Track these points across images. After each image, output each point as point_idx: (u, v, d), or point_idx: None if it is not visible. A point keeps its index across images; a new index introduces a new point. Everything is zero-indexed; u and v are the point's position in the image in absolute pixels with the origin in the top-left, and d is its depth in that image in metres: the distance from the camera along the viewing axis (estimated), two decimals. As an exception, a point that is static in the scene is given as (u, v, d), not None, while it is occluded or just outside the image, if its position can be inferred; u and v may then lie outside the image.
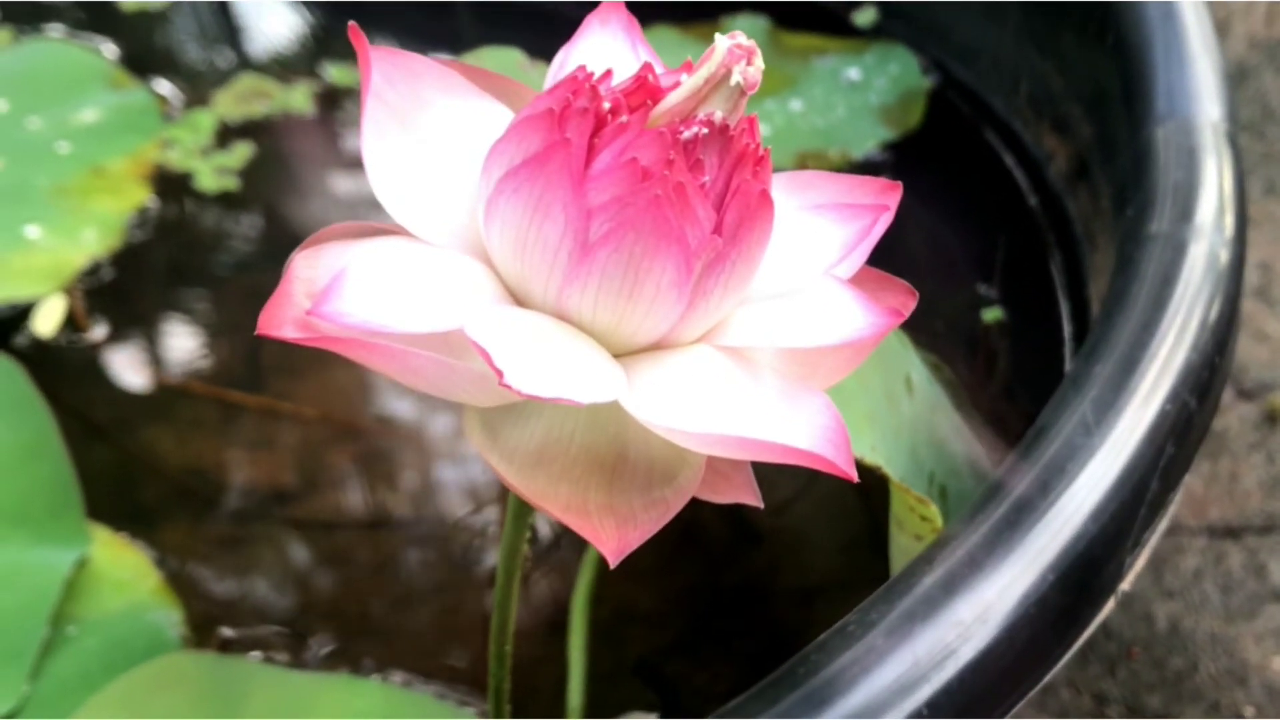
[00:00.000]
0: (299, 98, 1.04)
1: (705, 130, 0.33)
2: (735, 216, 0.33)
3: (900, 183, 0.38)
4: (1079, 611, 0.50)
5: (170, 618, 0.66)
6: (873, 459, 0.54)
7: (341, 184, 1.01)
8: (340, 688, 0.63)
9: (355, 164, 1.02)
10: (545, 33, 1.08)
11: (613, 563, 0.33)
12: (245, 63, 1.12)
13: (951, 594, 0.45)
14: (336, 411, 0.81)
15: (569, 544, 0.72)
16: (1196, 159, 0.65)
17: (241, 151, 0.99)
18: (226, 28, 1.19)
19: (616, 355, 0.35)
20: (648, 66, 0.35)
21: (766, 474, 0.37)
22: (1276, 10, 1.32)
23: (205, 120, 1.01)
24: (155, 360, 0.85)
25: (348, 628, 0.69)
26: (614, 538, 0.33)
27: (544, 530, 0.72)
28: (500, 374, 0.30)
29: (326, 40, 1.16)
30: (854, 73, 1.02)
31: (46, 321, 0.85)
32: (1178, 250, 0.59)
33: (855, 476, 0.33)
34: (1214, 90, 0.69)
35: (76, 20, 1.14)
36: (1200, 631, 0.79)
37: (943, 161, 0.98)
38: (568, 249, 0.33)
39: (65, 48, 1.08)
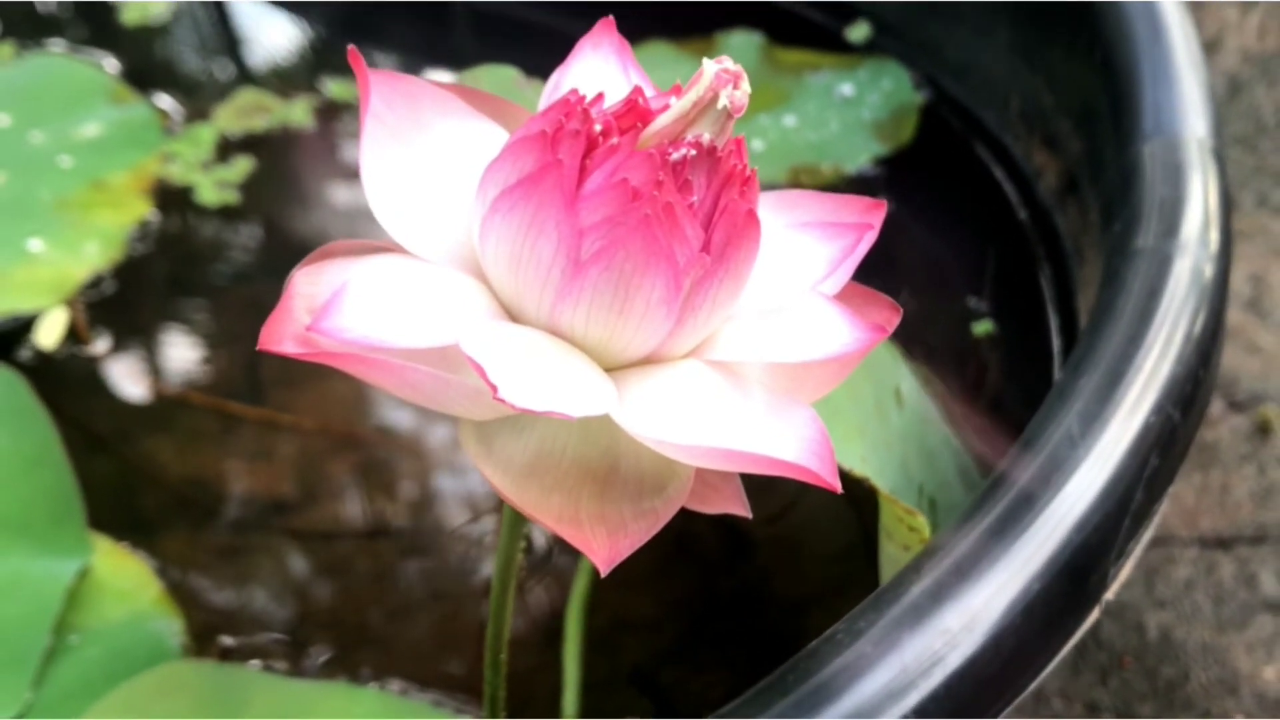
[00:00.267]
0: (299, 112, 1.04)
1: (694, 152, 0.34)
2: (723, 235, 0.34)
3: (885, 201, 0.39)
4: (1064, 620, 0.50)
5: (171, 627, 0.67)
6: (862, 470, 0.54)
7: (340, 197, 1.02)
8: (338, 695, 0.64)
9: (353, 178, 1.02)
10: (542, 48, 1.09)
11: (604, 571, 0.33)
12: (245, 77, 1.13)
13: (939, 603, 0.46)
14: (335, 423, 0.82)
15: (564, 554, 0.72)
16: (1182, 175, 0.65)
17: (242, 165, 0.99)
18: (226, 42, 1.19)
19: (608, 369, 0.36)
20: (638, 90, 0.35)
21: (759, 485, 0.38)
22: (1269, 25, 1.33)
23: (206, 134, 1.02)
24: (156, 372, 0.85)
25: (346, 636, 0.70)
26: (605, 547, 0.34)
27: (539, 540, 0.73)
28: (495, 388, 0.31)
29: (326, 55, 1.17)
30: (847, 88, 1.03)
31: (49, 334, 0.85)
32: (1163, 265, 0.60)
33: (839, 488, 0.34)
34: (1200, 108, 0.70)
35: (78, 35, 1.15)
36: (1192, 641, 0.79)
37: (935, 176, 0.98)
38: (560, 266, 0.34)
39: (67, 62, 1.09)
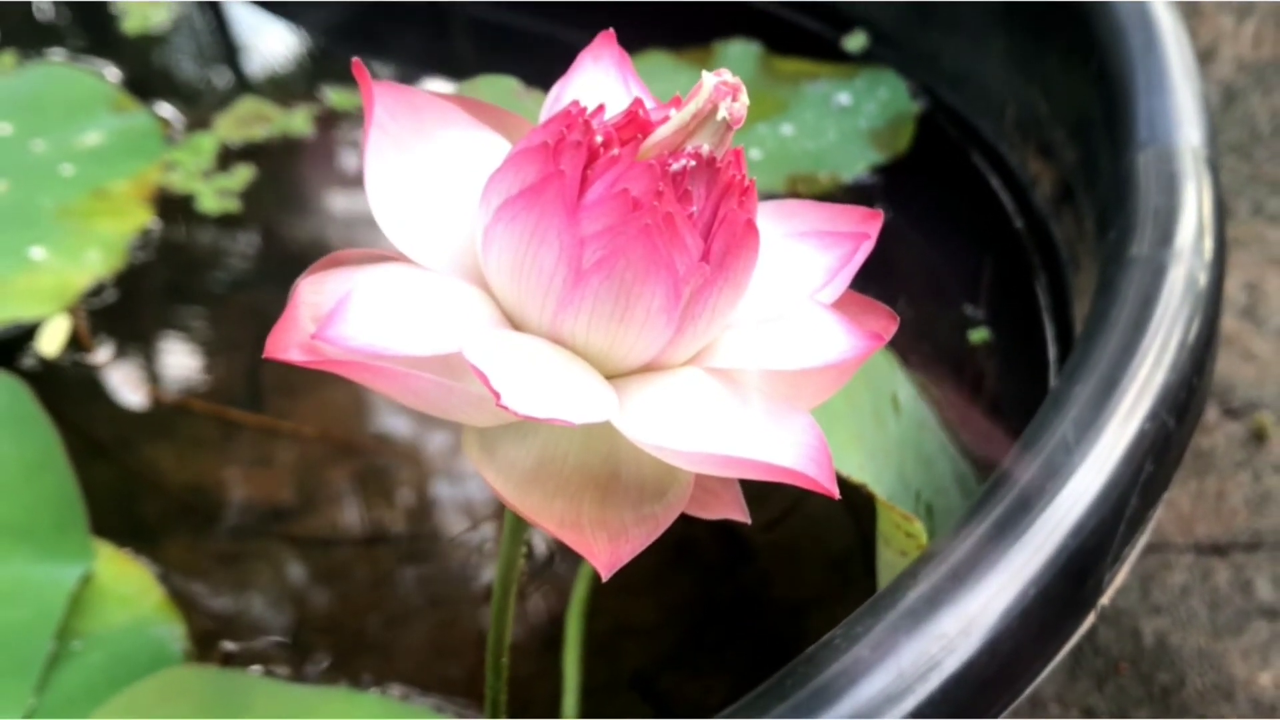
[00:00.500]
0: (299, 121, 1.05)
1: (693, 162, 0.34)
2: (722, 245, 0.35)
3: (881, 211, 0.40)
4: (1060, 625, 0.50)
5: (173, 632, 0.67)
6: (860, 477, 0.55)
7: (340, 206, 1.02)
8: (339, 700, 0.64)
9: (353, 186, 1.03)
10: (540, 57, 1.10)
11: (605, 576, 0.34)
12: (246, 86, 1.13)
13: (936, 608, 0.46)
14: (335, 430, 0.82)
15: (564, 560, 0.73)
16: (1177, 184, 0.66)
17: (242, 174, 1.00)
18: (227, 51, 1.20)
19: (609, 377, 0.36)
20: (638, 101, 0.36)
21: (758, 491, 0.38)
22: (1264, 34, 1.33)
23: (206, 143, 1.02)
24: (157, 379, 0.86)
25: (346, 642, 0.70)
26: (606, 552, 0.34)
27: (539, 547, 0.73)
28: (497, 395, 0.31)
29: (325, 63, 1.17)
30: (844, 97, 1.03)
31: (51, 341, 0.86)
32: (1158, 273, 0.60)
33: (837, 494, 0.34)
34: (1194, 117, 0.70)
35: (79, 44, 1.15)
36: (1188, 647, 0.80)
37: (931, 184, 0.98)
38: (562, 275, 0.34)
39: (68, 71, 1.09)
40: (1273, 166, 1.17)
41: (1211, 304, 0.61)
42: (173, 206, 0.97)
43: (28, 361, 0.85)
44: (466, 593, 0.72)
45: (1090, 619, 0.52)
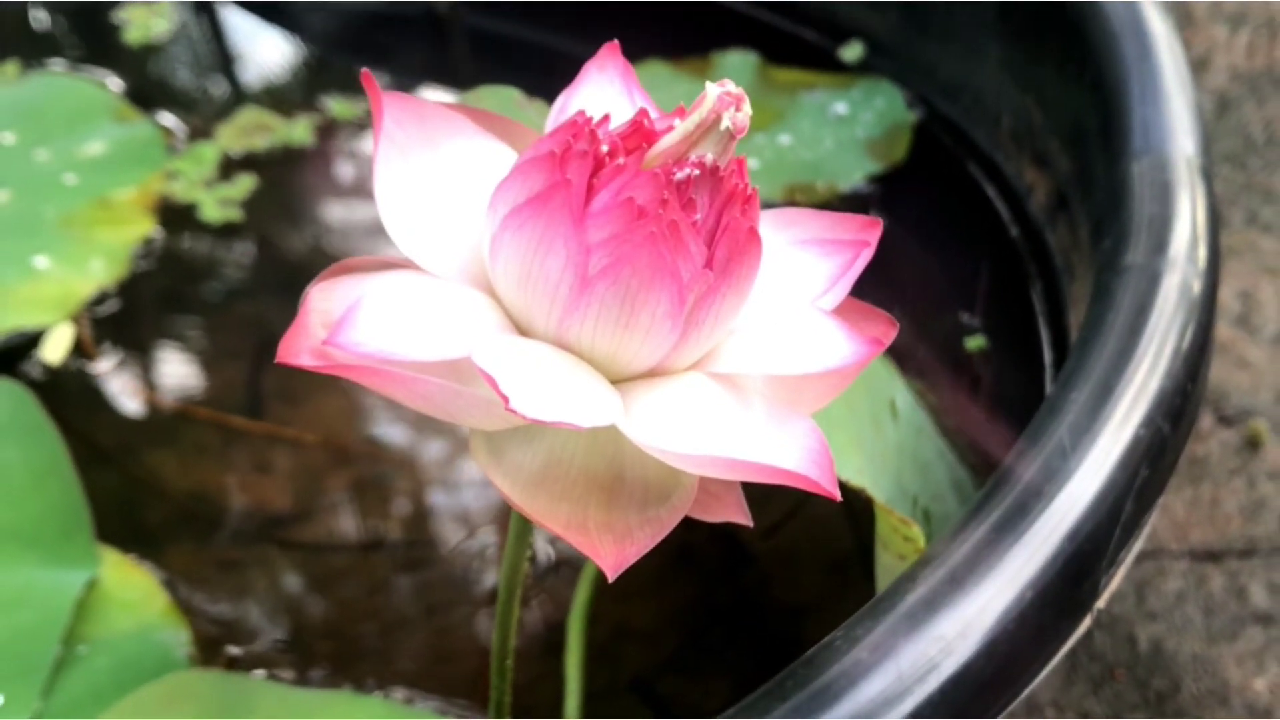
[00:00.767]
0: (300, 130, 1.05)
1: (697, 171, 0.35)
2: (725, 252, 0.35)
3: (880, 220, 0.40)
4: (1057, 627, 0.51)
5: (178, 637, 0.67)
6: (859, 482, 0.55)
7: (341, 215, 1.03)
8: (343, 703, 0.64)
9: (354, 195, 1.03)
10: (540, 67, 1.11)
11: (611, 577, 0.34)
12: (247, 96, 1.14)
13: (934, 611, 0.46)
14: (335, 437, 0.82)
15: (565, 565, 0.73)
16: (1171, 193, 0.66)
17: (244, 183, 1.00)
18: (228, 61, 1.20)
19: (614, 381, 0.36)
20: (643, 112, 0.37)
21: (757, 497, 0.39)
22: (1257, 44, 1.34)
23: (208, 153, 1.03)
24: (159, 387, 0.86)
25: (349, 646, 0.70)
26: (612, 553, 0.35)
27: (541, 553, 0.74)
28: (506, 399, 0.32)
29: (326, 73, 1.18)
30: (841, 107, 1.04)
31: (55, 349, 0.86)
32: (1152, 281, 0.60)
33: (838, 496, 0.35)
34: (1188, 126, 0.71)
35: (82, 54, 1.16)
36: (1183, 653, 0.80)
37: (927, 193, 0.99)
38: (568, 282, 0.35)
39: (71, 81, 1.10)
40: (1266, 176, 1.17)
41: (1205, 311, 0.61)
42: (175, 216, 0.98)
43: (32, 369, 0.85)
44: (470, 598, 0.73)
45: (1086, 622, 0.52)
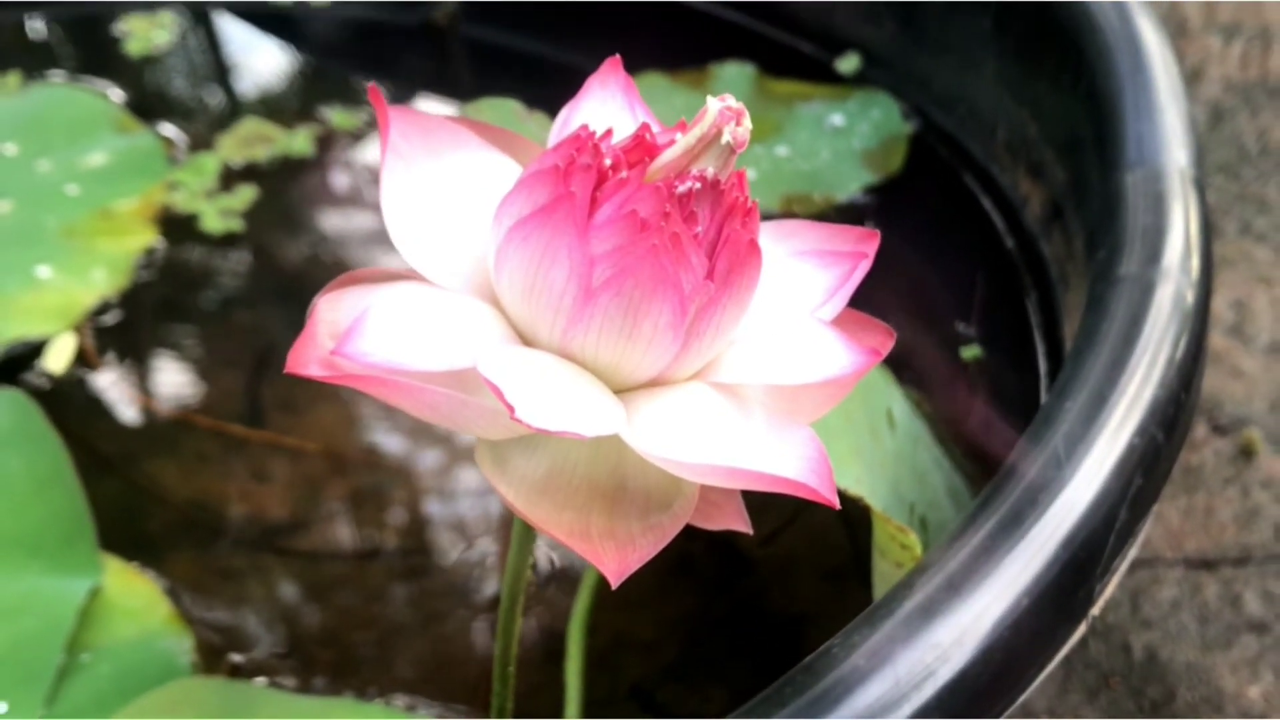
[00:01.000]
0: (300, 141, 1.06)
1: (698, 185, 0.35)
2: (726, 264, 0.36)
3: (878, 231, 0.41)
4: (1052, 634, 0.51)
5: (181, 645, 0.67)
6: (856, 490, 0.56)
7: (341, 224, 1.03)
8: (345, 710, 0.65)
9: (354, 205, 1.04)
10: (539, 77, 1.11)
11: (614, 583, 0.35)
12: (247, 106, 1.14)
13: (931, 618, 0.47)
14: (336, 446, 0.83)
15: (565, 576, 0.73)
16: (1164, 205, 0.67)
17: (245, 194, 1.01)
18: (228, 72, 1.21)
19: (616, 391, 0.37)
20: (645, 126, 0.37)
21: (755, 505, 0.39)
22: (1251, 54, 1.34)
23: (209, 163, 1.03)
24: (160, 395, 0.86)
25: (350, 654, 0.70)
26: (615, 560, 0.35)
27: (541, 562, 0.74)
28: (511, 409, 0.33)
29: (326, 84, 1.18)
30: (837, 118, 1.04)
31: (58, 359, 0.86)
32: (1146, 291, 0.61)
33: (838, 504, 0.35)
34: (1181, 138, 0.71)
35: (83, 65, 1.16)
36: (1177, 661, 0.80)
37: (924, 204, 0.99)
38: (572, 293, 0.35)
39: (73, 92, 1.10)
40: (1260, 186, 1.18)
41: (1199, 321, 0.61)
42: (176, 226, 0.98)
43: (35, 379, 0.85)
44: (471, 605, 0.73)
45: (1081, 629, 0.53)
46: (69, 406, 0.83)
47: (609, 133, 0.37)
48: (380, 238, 0.98)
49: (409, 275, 0.38)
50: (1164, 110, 0.73)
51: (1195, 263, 0.64)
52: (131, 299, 0.92)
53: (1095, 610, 0.53)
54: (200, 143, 1.06)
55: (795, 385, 0.38)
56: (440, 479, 0.81)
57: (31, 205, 0.97)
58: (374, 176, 1.04)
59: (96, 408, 0.85)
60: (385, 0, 1.21)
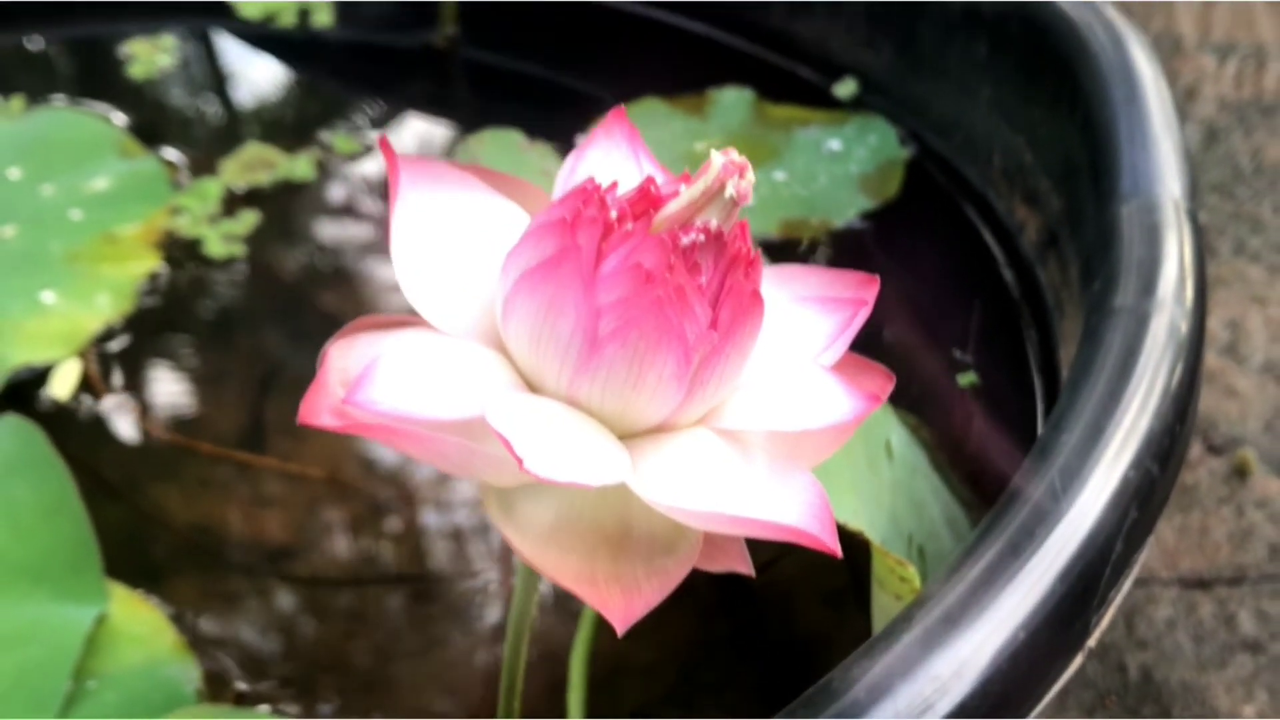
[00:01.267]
0: (302, 166, 1.06)
1: (702, 237, 0.36)
2: (729, 314, 0.37)
3: (878, 276, 0.42)
4: (1049, 666, 0.51)
5: (187, 672, 0.68)
6: (855, 523, 0.57)
7: (343, 249, 1.04)
8: (350, 737, 0.66)
9: (356, 231, 1.04)
10: (539, 100, 1.12)
11: (620, 630, 0.35)
12: (249, 131, 1.15)
13: (930, 651, 0.47)
14: (339, 472, 0.83)
15: (566, 606, 0.74)
16: (1159, 236, 0.67)
17: (247, 219, 1.01)
18: (231, 97, 1.21)
19: (622, 437, 0.38)
20: (650, 179, 0.38)
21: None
22: (1245, 74, 1.35)
23: (212, 188, 1.03)
24: (164, 421, 0.87)
25: (356, 680, 0.71)
26: (621, 606, 0.36)
27: (545, 591, 0.74)
28: (520, 461, 0.33)
29: (327, 108, 1.19)
30: (835, 143, 1.04)
31: (63, 385, 0.87)
32: (1141, 323, 0.61)
33: (839, 552, 0.36)
34: (1175, 169, 0.72)
35: (86, 89, 1.17)
36: (1173, 680, 0.80)
37: (920, 230, 1.00)
38: (578, 343, 0.36)
39: (76, 116, 1.10)
40: (1254, 205, 1.18)
41: (1193, 352, 0.62)
42: (180, 251, 0.98)
43: (40, 404, 0.86)
44: (473, 632, 0.73)
45: (1078, 660, 0.53)
46: (74, 432, 0.84)
47: (614, 185, 0.38)
48: (383, 264, 0.98)
49: (418, 322, 0.39)
50: (1158, 141, 0.74)
51: (1189, 294, 0.64)
52: (135, 324, 0.92)
53: (1092, 642, 0.54)
54: (203, 167, 1.06)
55: (797, 431, 0.39)
56: (444, 503, 0.82)
57: (36, 230, 0.98)
58: (375, 197, 1.04)
59: (101, 433, 0.85)
60: (386, 24, 1.22)
